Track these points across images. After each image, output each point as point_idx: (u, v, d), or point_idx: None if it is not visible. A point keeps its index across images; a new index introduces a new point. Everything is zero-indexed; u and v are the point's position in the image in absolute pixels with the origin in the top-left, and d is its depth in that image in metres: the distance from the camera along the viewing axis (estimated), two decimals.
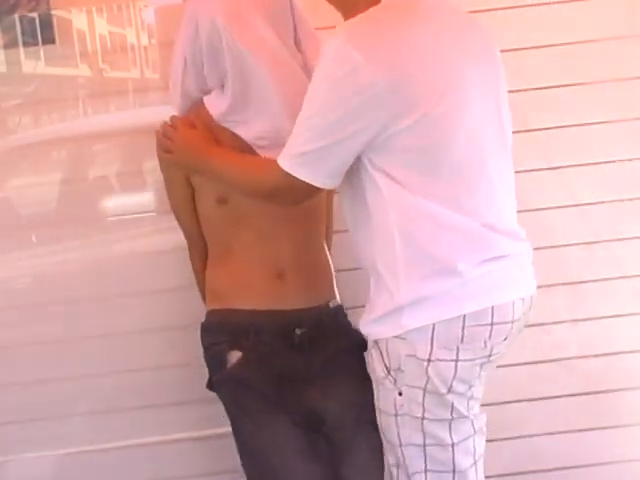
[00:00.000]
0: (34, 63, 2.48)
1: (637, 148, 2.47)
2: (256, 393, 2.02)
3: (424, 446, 1.84)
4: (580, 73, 2.37)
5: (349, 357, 2.09)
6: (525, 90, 2.33)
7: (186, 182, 2.09)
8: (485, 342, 1.78)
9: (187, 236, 2.22)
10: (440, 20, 1.78)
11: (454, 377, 1.78)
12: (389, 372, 1.82)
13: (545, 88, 2.30)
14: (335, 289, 2.20)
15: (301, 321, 2.06)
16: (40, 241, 2.56)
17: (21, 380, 2.52)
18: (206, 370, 2.12)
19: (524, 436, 2.27)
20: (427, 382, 1.79)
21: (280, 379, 2.03)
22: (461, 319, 1.75)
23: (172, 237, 2.27)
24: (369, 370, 1.92)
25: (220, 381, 2.09)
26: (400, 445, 1.87)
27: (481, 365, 1.81)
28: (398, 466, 1.90)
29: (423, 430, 1.83)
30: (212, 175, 2.00)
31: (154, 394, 2.53)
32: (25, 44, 2.44)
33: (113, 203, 2.59)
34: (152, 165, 2.20)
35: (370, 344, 1.88)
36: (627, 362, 2.56)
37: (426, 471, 1.86)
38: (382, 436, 1.92)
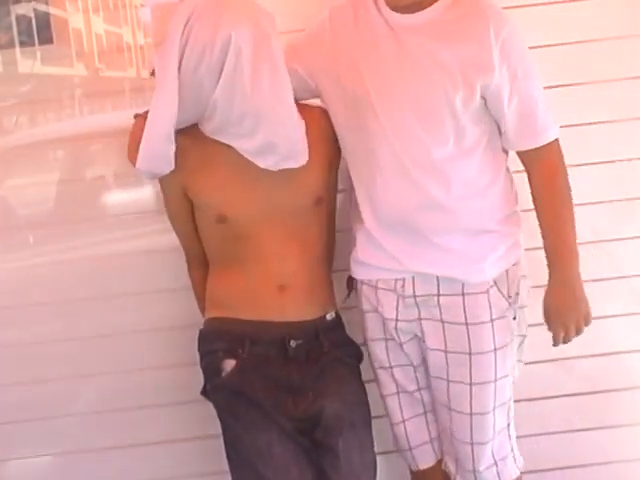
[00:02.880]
0: (30, 63, 2.47)
1: (637, 148, 2.46)
2: (249, 402, 2.03)
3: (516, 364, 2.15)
4: (580, 73, 2.36)
5: (343, 366, 2.11)
6: None
7: (183, 198, 2.09)
8: None
9: (185, 248, 2.22)
10: None
11: None
12: (509, 299, 2.07)
13: (545, 88, 2.27)
14: (334, 300, 2.20)
15: (296, 333, 2.07)
16: (38, 241, 2.56)
17: (20, 380, 2.52)
18: None
19: (522, 436, 2.26)
20: (527, 296, 2.11)
21: (274, 389, 2.04)
22: None
23: (172, 236, 2.26)
24: (483, 316, 2.05)
25: (214, 389, 2.10)
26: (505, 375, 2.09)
27: None
28: (503, 404, 2.10)
29: (522, 347, 2.15)
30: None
31: (153, 394, 2.54)
32: (22, 44, 2.43)
33: (111, 202, 2.59)
34: None
35: (484, 288, 2.05)
36: (627, 362, 2.56)
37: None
38: (488, 382, 2.07)
